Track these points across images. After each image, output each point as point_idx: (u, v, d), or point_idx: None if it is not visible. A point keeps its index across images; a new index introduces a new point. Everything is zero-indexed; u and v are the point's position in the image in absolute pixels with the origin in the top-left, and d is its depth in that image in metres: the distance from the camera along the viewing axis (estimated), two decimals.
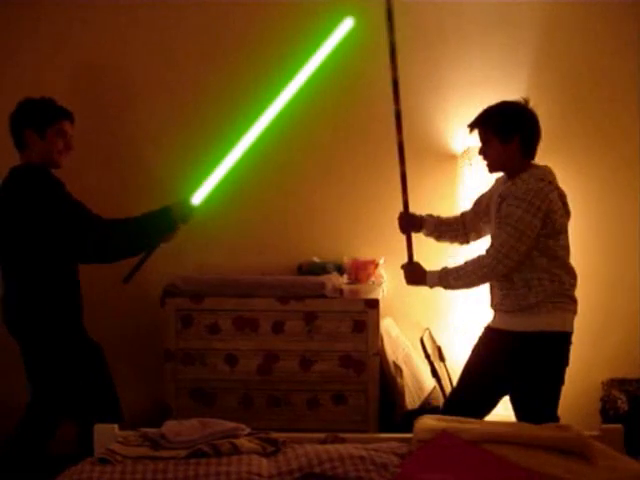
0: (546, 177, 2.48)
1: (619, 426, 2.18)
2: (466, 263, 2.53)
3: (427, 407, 3.12)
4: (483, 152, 2.58)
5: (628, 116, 3.48)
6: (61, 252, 2.62)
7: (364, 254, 3.50)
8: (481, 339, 2.65)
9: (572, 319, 2.51)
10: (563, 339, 2.49)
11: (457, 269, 2.54)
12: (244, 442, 2.02)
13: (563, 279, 2.48)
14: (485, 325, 2.67)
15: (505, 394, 2.59)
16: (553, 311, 2.45)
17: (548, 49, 3.49)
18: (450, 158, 3.50)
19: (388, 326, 3.37)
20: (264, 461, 1.93)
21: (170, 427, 2.11)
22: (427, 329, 3.45)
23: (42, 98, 2.72)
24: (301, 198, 3.58)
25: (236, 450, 1.96)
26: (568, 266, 2.53)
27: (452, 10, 3.46)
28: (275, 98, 2.93)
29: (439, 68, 3.51)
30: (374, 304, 3.10)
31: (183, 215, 2.76)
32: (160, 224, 2.71)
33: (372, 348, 3.07)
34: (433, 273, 2.61)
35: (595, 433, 2.12)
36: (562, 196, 2.51)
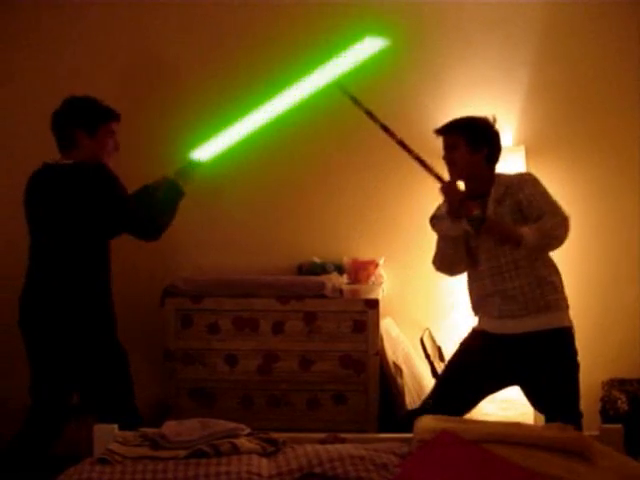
0: None
1: (619, 426, 2.17)
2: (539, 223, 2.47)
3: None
4: (447, 158, 2.66)
5: (628, 116, 3.48)
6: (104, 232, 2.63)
7: (364, 254, 3.50)
8: (477, 344, 2.66)
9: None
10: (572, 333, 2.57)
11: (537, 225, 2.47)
12: (244, 442, 2.01)
13: (559, 277, 2.56)
14: (477, 329, 2.70)
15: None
16: (565, 308, 2.54)
17: (548, 49, 3.49)
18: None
19: (388, 326, 3.37)
20: (264, 461, 1.92)
21: (170, 427, 2.10)
22: (427, 329, 3.45)
23: (89, 97, 2.69)
24: (301, 198, 3.59)
25: (236, 450, 1.96)
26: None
27: (452, 10, 3.47)
28: (280, 98, 2.91)
29: (439, 68, 3.51)
30: (374, 304, 3.10)
31: (186, 176, 2.79)
32: (166, 191, 2.75)
33: (372, 348, 3.07)
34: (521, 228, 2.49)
35: (595, 433, 2.12)
36: None
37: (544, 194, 2.51)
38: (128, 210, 2.62)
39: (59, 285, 2.61)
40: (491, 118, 2.64)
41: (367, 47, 2.76)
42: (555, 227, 2.45)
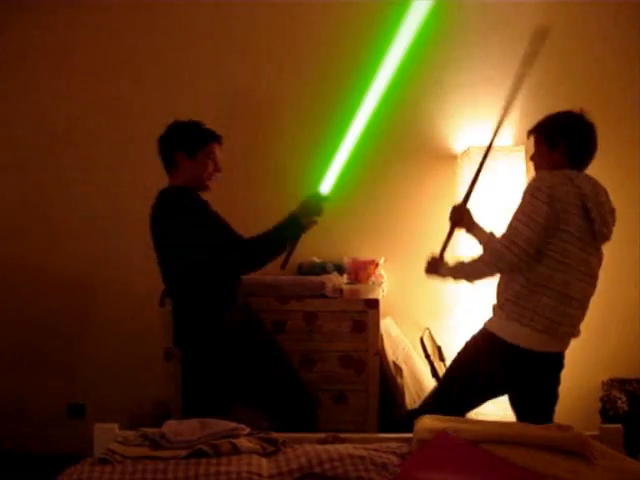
0: (571, 175, 2.41)
1: (619, 426, 2.17)
2: (479, 255, 2.51)
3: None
4: (533, 158, 2.59)
5: (629, 116, 3.48)
6: (209, 268, 2.62)
7: (364, 254, 3.50)
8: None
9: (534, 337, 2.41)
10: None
11: (469, 260, 2.54)
12: (244, 442, 2.01)
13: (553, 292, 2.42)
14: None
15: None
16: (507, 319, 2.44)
17: (548, 49, 3.48)
18: (450, 158, 3.51)
19: (388, 326, 3.37)
20: (264, 461, 1.92)
21: (170, 427, 2.10)
22: (427, 329, 3.45)
23: (191, 121, 2.70)
24: (301, 198, 3.58)
25: (236, 450, 1.96)
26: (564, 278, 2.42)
27: (452, 10, 3.46)
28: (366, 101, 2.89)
29: (439, 68, 3.51)
30: (374, 304, 3.10)
31: (312, 210, 2.71)
32: (290, 230, 2.67)
33: (372, 348, 3.07)
34: (448, 264, 2.63)
35: (595, 433, 2.12)
36: (586, 199, 2.39)
37: (519, 205, 2.40)
38: (241, 252, 2.60)
39: (177, 309, 2.72)
40: (578, 111, 2.50)
41: (417, 11, 2.68)
42: (492, 250, 2.41)
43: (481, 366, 2.48)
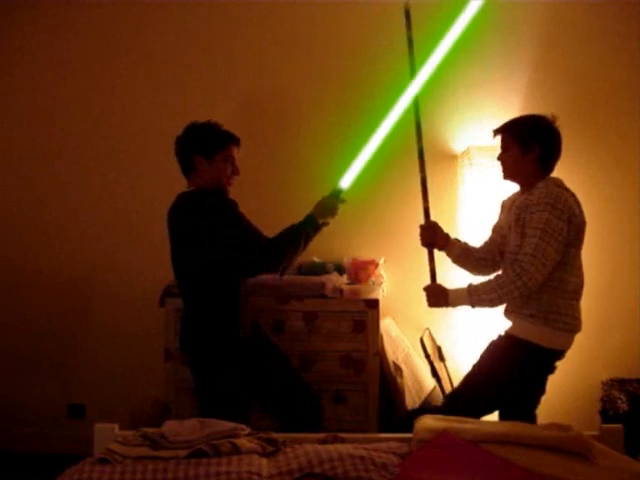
0: (561, 184, 2.48)
1: (619, 426, 2.18)
2: (498, 276, 2.43)
3: (427, 407, 3.12)
4: (502, 158, 2.58)
5: (629, 116, 3.48)
6: (232, 269, 2.60)
7: (364, 254, 3.50)
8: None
9: (561, 337, 2.46)
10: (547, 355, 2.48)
11: (488, 282, 2.43)
12: (244, 442, 2.01)
13: (570, 294, 2.48)
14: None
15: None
16: (543, 325, 2.44)
17: (548, 49, 3.49)
18: (450, 158, 3.51)
19: (388, 326, 3.37)
20: (264, 461, 1.92)
21: (170, 427, 2.10)
22: (427, 329, 3.45)
23: (209, 122, 2.67)
24: (301, 198, 3.58)
25: (236, 450, 1.96)
26: (577, 281, 2.49)
27: (452, 10, 3.46)
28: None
29: (439, 68, 3.50)
30: (374, 304, 3.10)
31: (328, 211, 2.70)
32: (308, 231, 2.64)
33: (372, 348, 3.07)
34: (458, 291, 2.49)
35: (595, 433, 2.12)
36: (579, 205, 2.49)
37: (537, 221, 2.36)
38: (263, 252, 2.56)
39: (190, 315, 2.68)
40: (550, 117, 2.52)
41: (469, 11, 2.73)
42: (518, 273, 2.34)
43: (515, 372, 2.46)
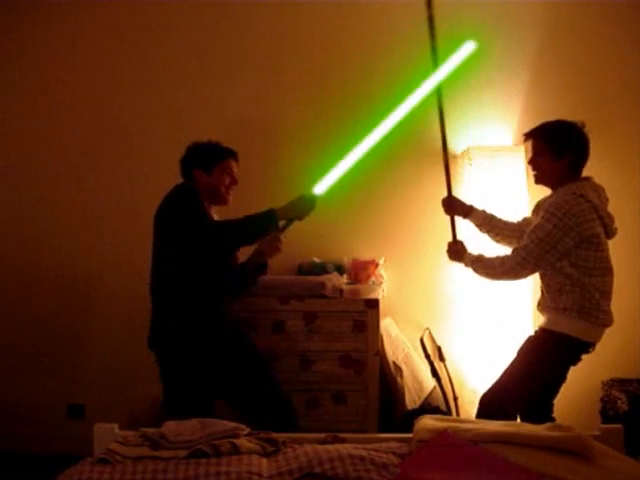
0: (578, 191, 2.54)
1: (619, 426, 2.17)
2: (497, 257, 2.66)
3: (427, 407, 3.12)
4: (533, 163, 2.67)
5: (629, 116, 3.48)
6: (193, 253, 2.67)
7: (364, 254, 3.50)
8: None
9: (597, 331, 2.62)
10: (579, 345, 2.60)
11: (487, 260, 2.68)
12: (244, 442, 2.01)
13: (593, 294, 2.57)
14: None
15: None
16: (578, 319, 2.56)
17: (549, 49, 3.49)
18: (450, 158, 3.50)
19: (388, 326, 3.37)
20: (264, 461, 1.92)
21: (170, 427, 2.10)
22: (427, 329, 3.45)
23: (209, 141, 2.83)
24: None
25: (236, 450, 1.96)
26: (599, 280, 2.60)
27: (452, 10, 3.46)
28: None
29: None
30: (374, 304, 3.10)
31: (298, 210, 2.76)
32: (262, 225, 2.71)
33: (372, 348, 3.07)
34: (471, 255, 2.74)
35: (595, 433, 2.12)
36: (597, 209, 2.55)
37: (540, 228, 2.52)
38: (214, 236, 2.65)
39: (161, 307, 2.72)
40: (579, 124, 2.62)
41: (462, 53, 2.82)
42: (504, 262, 2.59)
43: (547, 363, 2.62)
